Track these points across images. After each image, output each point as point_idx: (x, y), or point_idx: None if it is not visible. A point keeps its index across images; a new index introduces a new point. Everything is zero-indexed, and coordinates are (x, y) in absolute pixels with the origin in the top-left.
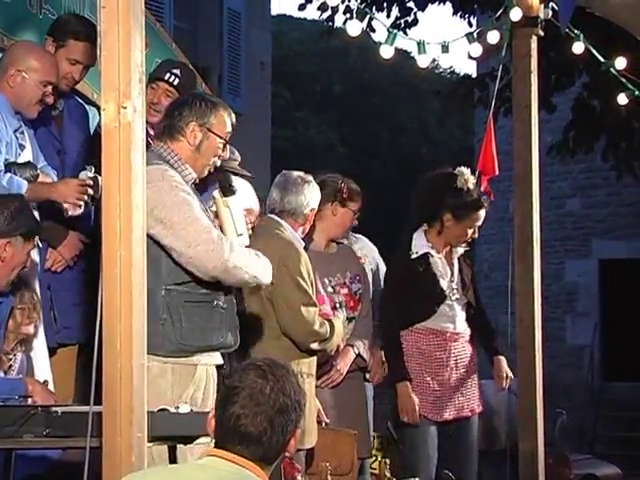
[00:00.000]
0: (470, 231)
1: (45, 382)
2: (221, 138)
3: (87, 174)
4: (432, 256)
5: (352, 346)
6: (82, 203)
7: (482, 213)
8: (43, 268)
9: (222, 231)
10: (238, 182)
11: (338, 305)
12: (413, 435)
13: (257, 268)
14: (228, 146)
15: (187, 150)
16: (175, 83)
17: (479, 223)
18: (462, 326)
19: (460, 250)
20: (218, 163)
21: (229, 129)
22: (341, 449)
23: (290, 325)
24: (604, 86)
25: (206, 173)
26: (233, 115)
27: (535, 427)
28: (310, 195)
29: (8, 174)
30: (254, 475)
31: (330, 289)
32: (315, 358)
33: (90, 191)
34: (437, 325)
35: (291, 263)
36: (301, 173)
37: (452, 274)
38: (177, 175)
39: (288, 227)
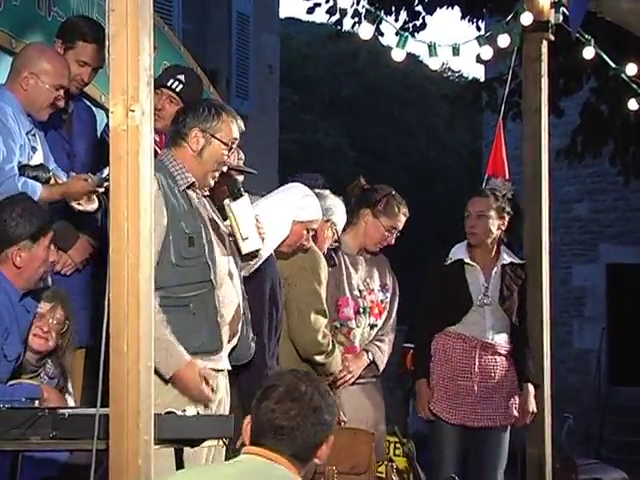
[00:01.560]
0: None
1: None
2: (224, 144)
3: (101, 176)
4: (466, 263)
5: (367, 351)
6: (94, 198)
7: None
8: (52, 271)
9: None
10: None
11: (362, 310)
12: (430, 433)
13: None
14: (236, 149)
15: (190, 156)
16: (178, 89)
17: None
18: (496, 337)
19: (506, 258)
20: (224, 169)
21: (235, 135)
22: (359, 449)
23: (296, 329)
24: (612, 91)
25: (212, 181)
26: (240, 121)
27: (543, 431)
28: (330, 203)
29: (22, 178)
30: (284, 468)
31: (357, 292)
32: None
33: (101, 189)
34: (467, 331)
35: (312, 267)
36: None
37: (488, 283)
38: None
39: None
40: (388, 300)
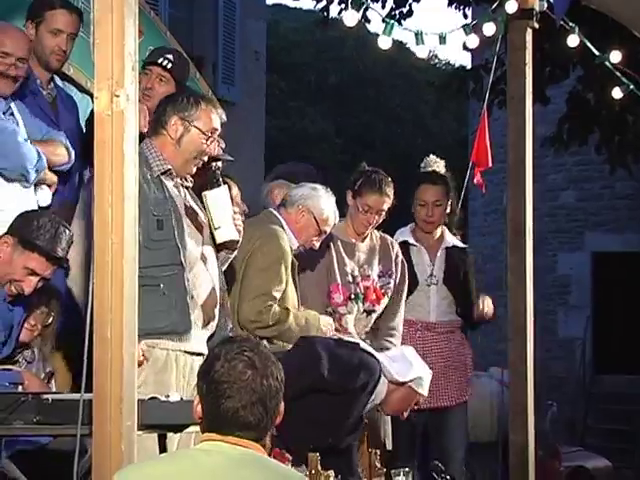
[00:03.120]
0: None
1: (49, 374)
2: (203, 133)
3: None
4: (411, 244)
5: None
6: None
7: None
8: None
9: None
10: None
11: (354, 296)
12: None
13: None
14: (217, 140)
15: (168, 144)
16: (169, 67)
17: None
18: (441, 317)
19: (449, 241)
20: (205, 159)
21: (215, 125)
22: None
23: (240, 309)
24: (599, 79)
25: (192, 169)
26: (222, 111)
27: (526, 419)
28: (310, 193)
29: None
30: (263, 457)
31: (350, 278)
32: None
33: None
34: (411, 313)
35: (267, 251)
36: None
37: (433, 264)
38: None
39: (284, 223)
40: (391, 286)
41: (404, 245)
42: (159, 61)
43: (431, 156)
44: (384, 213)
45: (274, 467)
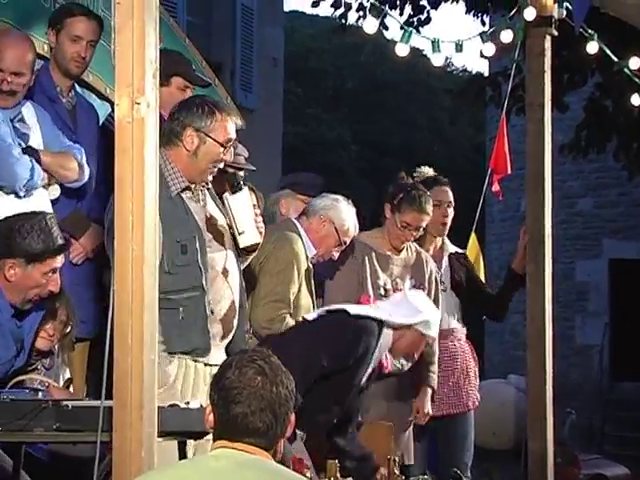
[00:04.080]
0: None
1: (68, 381)
2: (219, 144)
3: None
4: None
5: (428, 385)
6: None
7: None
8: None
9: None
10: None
11: None
12: None
13: None
14: (233, 145)
15: (184, 156)
16: None
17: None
18: (452, 322)
19: (450, 248)
20: (221, 166)
21: (230, 135)
22: (377, 441)
23: (252, 313)
24: (617, 86)
25: (209, 177)
26: (237, 118)
27: (545, 426)
28: (331, 204)
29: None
30: (269, 461)
31: (382, 291)
32: None
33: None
34: None
35: (280, 255)
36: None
37: (439, 270)
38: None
39: (302, 232)
40: None
41: None
42: None
43: (422, 167)
44: (421, 231)
45: (277, 470)
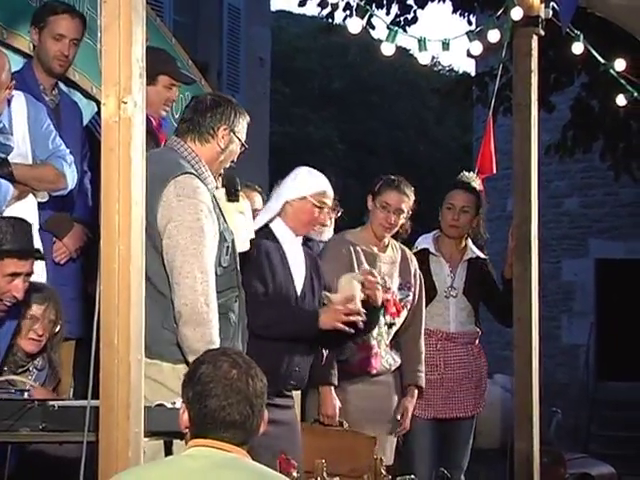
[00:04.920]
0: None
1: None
2: (243, 144)
3: None
4: (432, 253)
5: (416, 385)
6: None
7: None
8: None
9: None
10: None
11: None
12: (407, 432)
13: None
14: None
15: (214, 153)
16: None
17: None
18: (460, 327)
19: (472, 253)
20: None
21: (245, 136)
22: (359, 452)
23: None
24: (603, 86)
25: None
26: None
27: (531, 426)
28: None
29: None
30: (247, 460)
31: None
32: None
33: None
34: (430, 326)
35: None
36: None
37: (453, 275)
38: (206, 192)
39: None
40: (410, 299)
41: (424, 253)
42: None
43: (470, 172)
44: (403, 215)
45: (255, 469)
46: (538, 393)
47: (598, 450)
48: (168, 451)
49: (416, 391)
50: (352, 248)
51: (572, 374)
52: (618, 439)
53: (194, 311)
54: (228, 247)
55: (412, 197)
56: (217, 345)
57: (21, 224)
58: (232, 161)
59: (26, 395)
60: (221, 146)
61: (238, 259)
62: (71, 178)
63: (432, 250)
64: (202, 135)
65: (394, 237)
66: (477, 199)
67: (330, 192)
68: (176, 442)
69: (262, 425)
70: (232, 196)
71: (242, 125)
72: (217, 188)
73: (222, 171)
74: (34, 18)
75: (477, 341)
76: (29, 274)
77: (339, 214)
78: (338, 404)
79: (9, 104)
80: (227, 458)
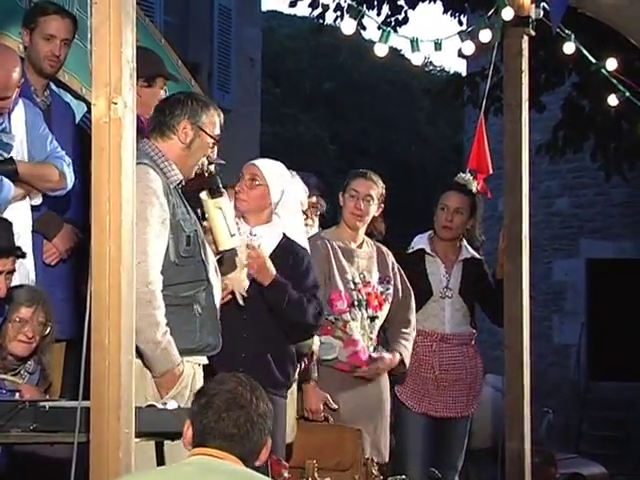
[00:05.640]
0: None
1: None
2: (212, 137)
3: None
4: (427, 253)
5: (398, 352)
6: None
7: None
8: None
9: (212, 234)
10: (294, 177)
11: (357, 303)
12: (395, 423)
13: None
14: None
15: (178, 149)
16: None
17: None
18: (455, 328)
19: (467, 253)
20: (206, 163)
21: (218, 130)
22: (345, 445)
23: None
24: (594, 86)
25: (193, 174)
26: (222, 116)
27: (522, 426)
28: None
29: None
30: (236, 465)
31: (351, 285)
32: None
33: None
34: (426, 327)
35: None
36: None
37: (449, 275)
38: (158, 180)
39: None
40: (390, 292)
41: (420, 253)
42: None
43: (467, 174)
44: (373, 202)
45: (242, 472)
46: (529, 393)
47: (589, 450)
48: (159, 452)
49: (397, 356)
50: (328, 244)
51: (563, 374)
52: (609, 439)
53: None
54: (189, 237)
55: (380, 185)
56: (162, 326)
57: (1, 223)
58: (215, 158)
59: (17, 396)
60: (184, 141)
61: (208, 252)
62: (70, 179)
63: (428, 250)
64: (164, 132)
65: (368, 236)
66: (472, 201)
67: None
68: (167, 443)
69: (265, 451)
70: (215, 194)
71: (209, 119)
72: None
73: (208, 168)
74: (25, 19)
75: (473, 342)
76: (10, 272)
77: (324, 209)
78: (322, 397)
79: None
80: (217, 463)
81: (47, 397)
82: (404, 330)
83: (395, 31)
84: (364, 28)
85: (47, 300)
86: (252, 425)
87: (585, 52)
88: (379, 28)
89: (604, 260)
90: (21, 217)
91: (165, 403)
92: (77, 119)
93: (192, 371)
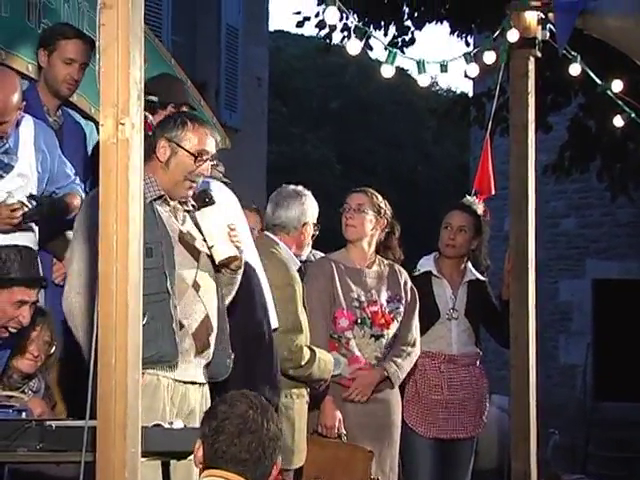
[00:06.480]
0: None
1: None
2: (191, 154)
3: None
4: (434, 275)
5: (382, 367)
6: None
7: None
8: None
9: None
10: (224, 193)
11: (360, 320)
12: (404, 448)
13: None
14: (209, 161)
15: (158, 167)
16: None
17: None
18: (462, 349)
19: (470, 275)
20: (200, 181)
21: (205, 146)
22: (355, 465)
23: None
24: (600, 107)
25: (187, 192)
26: (215, 133)
27: (528, 446)
28: (301, 209)
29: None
30: None
31: (356, 303)
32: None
33: (18, 213)
34: (433, 348)
35: (297, 286)
36: (296, 187)
37: (455, 296)
38: None
39: (282, 245)
40: (401, 311)
41: (427, 275)
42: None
43: (473, 197)
44: (366, 213)
45: None
46: (535, 413)
47: (595, 471)
48: (165, 471)
49: (380, 372)
50: (334, 265)
51: (569, 394)
52: (615, 460)
53: (66, 301)
54: (150, 249)
55: (377, 198)
56: None
57: (28, 252)
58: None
59: (24, 415)
60: (161, 159)
61: (172, 263)
62: None
63: (434, 272)
64: (146, 152)
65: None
66: (476, 221)
67: None
68: (173, 462)
69: (274, 471)
70: (204, 203)
71: (186, 135)
72: (184, 209)
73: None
74: (42, 40)
75: (478, 362)
76: (35, 302)
77: (316, 233)
78: (339, 416)
79: (17, 126)
80: None
81: (54, 413)
82: (401, 347)
83: (402, 52)
84: (371, 48)
85: (52, 319)
86: (264, 450)
87: (591, 73)
88: (386, 49)
89: (610, 280)
90: (30, 238)
91: (171, 422)
92: (87, 139)
93: (180, 389)
